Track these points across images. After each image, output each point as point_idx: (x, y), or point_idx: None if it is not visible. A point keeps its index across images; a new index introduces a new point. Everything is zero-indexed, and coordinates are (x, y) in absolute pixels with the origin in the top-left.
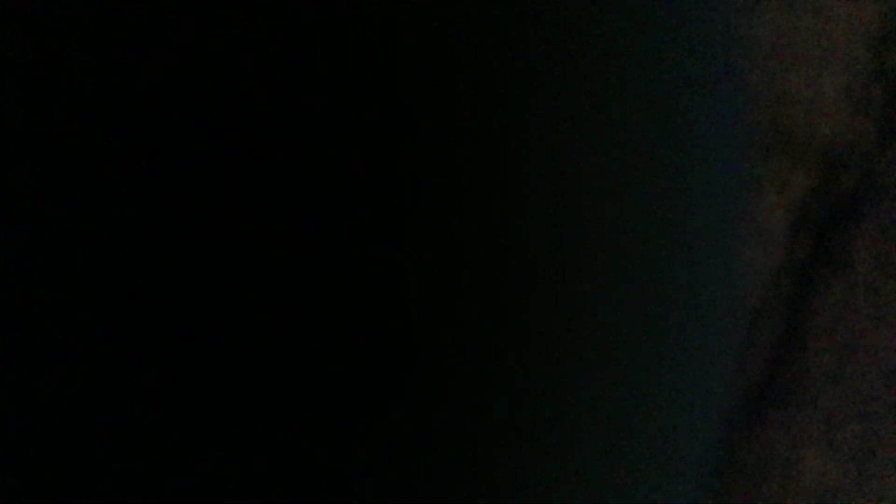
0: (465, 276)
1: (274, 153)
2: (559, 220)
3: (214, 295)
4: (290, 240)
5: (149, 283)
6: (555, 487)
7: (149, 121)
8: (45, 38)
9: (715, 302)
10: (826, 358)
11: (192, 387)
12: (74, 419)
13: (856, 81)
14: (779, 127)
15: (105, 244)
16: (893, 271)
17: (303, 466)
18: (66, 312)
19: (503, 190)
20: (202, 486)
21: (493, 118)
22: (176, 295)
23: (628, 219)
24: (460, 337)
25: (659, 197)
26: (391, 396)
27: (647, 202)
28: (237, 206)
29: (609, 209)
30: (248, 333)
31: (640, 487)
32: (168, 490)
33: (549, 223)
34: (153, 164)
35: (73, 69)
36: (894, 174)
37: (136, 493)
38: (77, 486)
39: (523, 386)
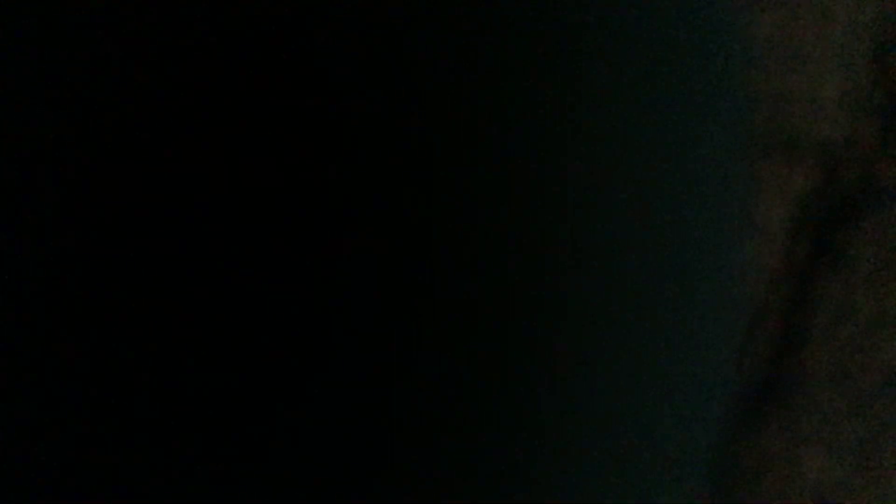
0: (466, 276)
1: (278, 153)
2: (559, 221)
3: (216, 295)
4: (292, 240)
5: (151, 282)
6: (555, 487)
7: (151, 120)
8: (44, 38)
9: (715, 302)
10: (826, 358)
11: (193, 388)
12: (74, 419)
13: (856, 81)
14: (779, 127)
15: (107, 244)
16: (894, 271)
17: (305, 467)
18: (69, 313)
19: (503, 190)
20: (203, 487)
21: (494, 118)
22: (179, 296)
23: (628, 219)
24: (462, 337)
25: (659, 197)
26: (391, 397)
27: (647, 202)
28: (237, 207)
29: (609, 209)
30: (250, 334)
31: (640, 487)
32: (168, 490)
33: (548, 224)
34: (155, 164)
35: (74, 69)
36: (894, 174)
37: (137, 494)
38: (77, 486)
39: (524, 386)
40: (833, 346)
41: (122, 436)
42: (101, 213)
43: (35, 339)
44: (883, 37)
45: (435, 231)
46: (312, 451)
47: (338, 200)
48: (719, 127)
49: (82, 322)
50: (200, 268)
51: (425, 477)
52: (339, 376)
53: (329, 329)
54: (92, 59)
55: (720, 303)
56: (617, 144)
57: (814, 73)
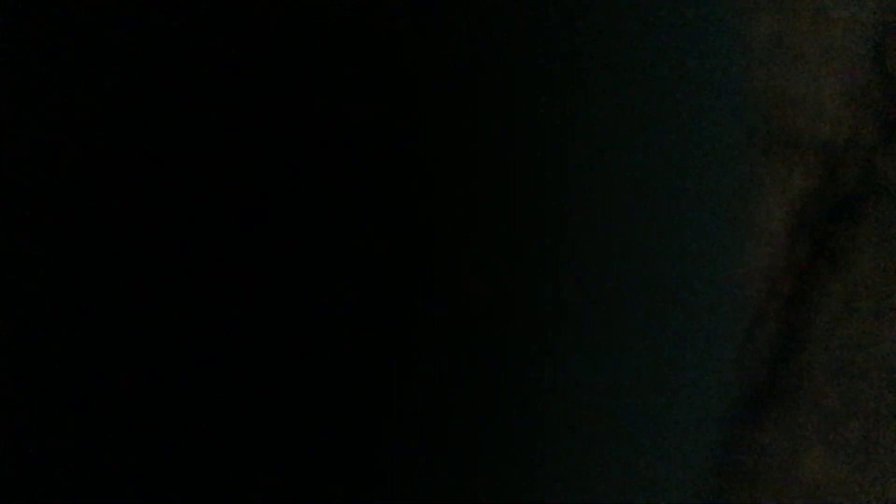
0: (467, 275)
1: (277, 152)
2: (559, 221)
3: (215, 295)
4: (293, 240)
5: (151, 282)
6: (555, 487)
7: (150, 120)
8: (44, 37)
9: (715, 302)
10: (826, 358)
11: (194, 388)
12: (73, 420)
13: (856, 81)
14: (779, 127)
15: (107, 244)
16: (893, 271)
17: (306, 466)
18: (69, 312)
19: (503, 189)
20: (203, 488)
21: (493, 116)
22: (179, 296)
23: (628, 219)
24: (462, 338)
25: (659, 197)
26: (391, 397)
27: (648, 202)
28: (238, 206)
29: (609, 209)
30: (250, 335)
31: (641, 487)
32: (168, 491)
33: (549, 224)
34: (155, 163)
35: (74, 69)
36: (894, 174)
37: (136, 494)
38: (77, 486)
39: (524, 386)
40: (833, 346)
41: (121, 436)
42: (100, 212)
43: (35, 339)
44: (883, 37)
45: (435, 230)
46: (312, 451)
47: (337, 200)
48: (719, 127)
49: (81, 321)
50: (200, 267)
51: (425, 476)
52: (339, 376)
53: (328, 328)
54: (90, 57)
55: (720, 303)
56: (616, 145)
57: (814, 73)
